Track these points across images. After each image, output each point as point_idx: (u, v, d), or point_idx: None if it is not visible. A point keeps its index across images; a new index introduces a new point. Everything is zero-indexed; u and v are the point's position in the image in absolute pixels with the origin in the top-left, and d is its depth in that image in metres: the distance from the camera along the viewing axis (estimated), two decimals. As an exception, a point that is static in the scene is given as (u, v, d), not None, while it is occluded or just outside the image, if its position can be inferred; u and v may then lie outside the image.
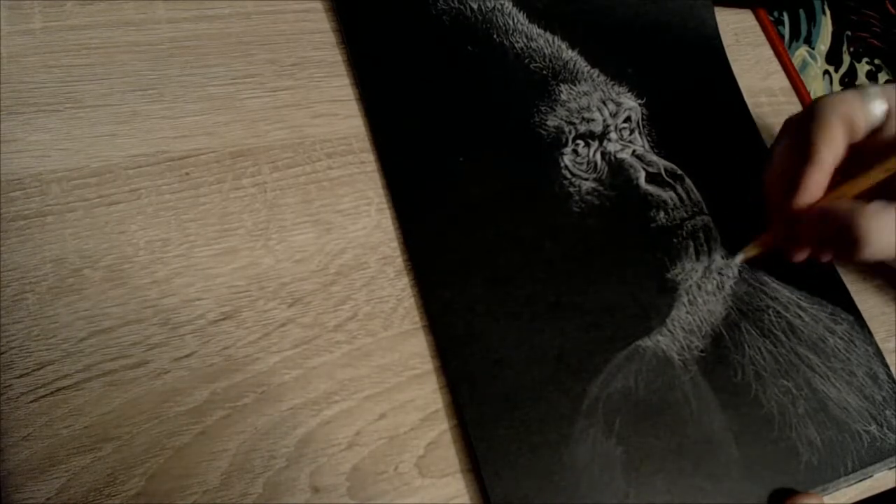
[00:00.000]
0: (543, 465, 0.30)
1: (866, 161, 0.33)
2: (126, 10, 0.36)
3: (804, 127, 0.34)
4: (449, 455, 0.31)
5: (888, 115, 0.33)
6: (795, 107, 0.46)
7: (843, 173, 0.34)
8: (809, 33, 0.49)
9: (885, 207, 0.30)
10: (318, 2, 0.39)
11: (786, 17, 0.49)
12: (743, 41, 0.48)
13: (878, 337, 0.38)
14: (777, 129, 0.44)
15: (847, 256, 0.36)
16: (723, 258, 0.37)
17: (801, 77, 0.47)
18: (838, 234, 0.31)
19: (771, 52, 0.48)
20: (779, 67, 0.47)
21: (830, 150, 0.32)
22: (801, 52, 0.49)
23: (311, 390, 0.30)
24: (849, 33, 0.49)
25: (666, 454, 0.32)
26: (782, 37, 0.48)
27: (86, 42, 0.34)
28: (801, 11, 0.49)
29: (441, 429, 0.31)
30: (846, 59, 0.49)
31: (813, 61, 0.49)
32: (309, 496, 0.29)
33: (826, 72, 0.48)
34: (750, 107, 0.43)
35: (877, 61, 0.49)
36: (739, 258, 0.37)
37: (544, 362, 0.32)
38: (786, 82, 0.47)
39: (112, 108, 0.33)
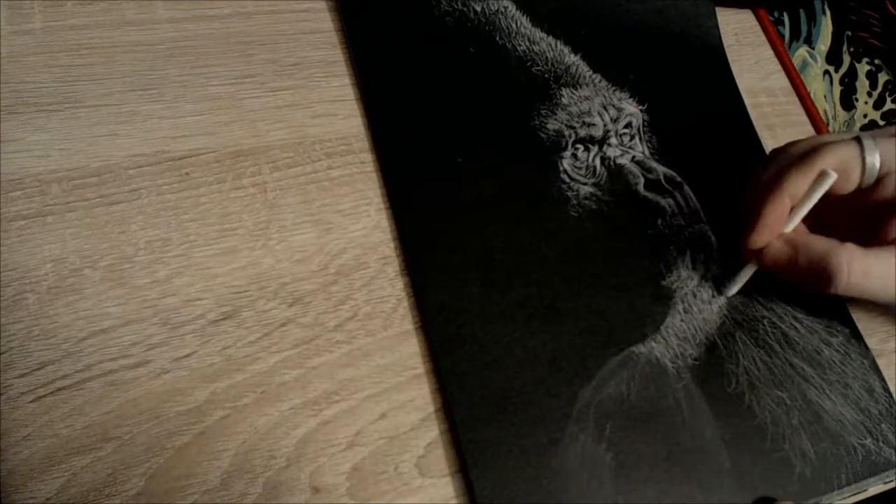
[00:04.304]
0: (532, 468, 0.30)
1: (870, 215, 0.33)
2: (126, 10, 0.36)
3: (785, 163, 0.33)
4: (449, 455, 0.31)
5: (884, 170, 0.33)
6: (795, 107, 0.46)
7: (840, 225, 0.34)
8: (809, 33, 0.49)
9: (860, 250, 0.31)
10: (319, 1, 0.39)
11: (786, 17, 0.49)
12: (743, 41, 0.47)
13: (877, 338, 0.38)
14: (777, 129, 0.44)
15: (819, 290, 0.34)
16: (718, 269, 0.37)
17: (802, 77, 0.47)
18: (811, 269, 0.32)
19: (771, 52, 0.48)
20: (779, 67, 0.47)
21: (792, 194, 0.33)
22: (802, 52, 0.49)
23: (311, 390, 0.30)
24: (849, 33, 0.49)
25: (656, 461, 0.31)
26: (782, 37, 0.48)
27: (86, 42, 0.34)
28: (801, 11, 0.49)
29: (441, 428, 0.31)
30: (846, 59, 0.49)
31: (813, 61, 0.48)
32: (309, 496, 0.29)
33: (826, 72, 0.48)
34: (750, 107, 0.43)
35: (877, 61, 0.49)
36: (733, 290, 0.36)
37: (537, 365, 0.32)
38: (786, 82, 0.47)
39: (112, 108, 0.33)
